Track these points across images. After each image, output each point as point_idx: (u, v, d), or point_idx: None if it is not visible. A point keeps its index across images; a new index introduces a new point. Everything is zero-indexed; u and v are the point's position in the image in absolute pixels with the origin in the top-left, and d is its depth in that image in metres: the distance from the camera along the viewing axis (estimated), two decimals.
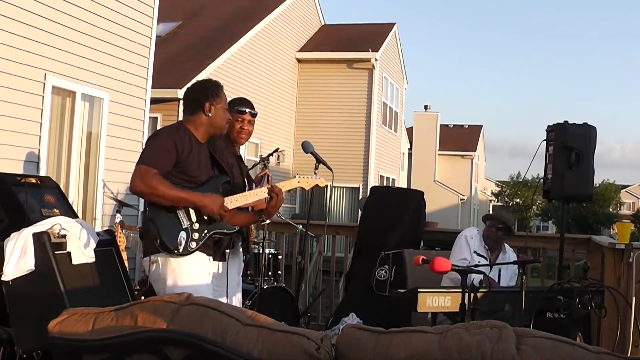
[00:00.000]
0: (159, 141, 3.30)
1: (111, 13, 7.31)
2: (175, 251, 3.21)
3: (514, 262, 4.53)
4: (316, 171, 4.96)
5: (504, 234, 4.79)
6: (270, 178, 3.76)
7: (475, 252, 4.74)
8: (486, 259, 4.71)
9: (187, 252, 3.24)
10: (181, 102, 11.88)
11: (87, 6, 6.93)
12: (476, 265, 4.25)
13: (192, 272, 3.27)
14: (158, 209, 3.21)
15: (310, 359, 1.78)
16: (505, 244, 4.92)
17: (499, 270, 4.61)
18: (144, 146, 3.39)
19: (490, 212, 5.01)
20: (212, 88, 3.41)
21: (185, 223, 3.25)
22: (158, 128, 3.88)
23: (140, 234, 3.57)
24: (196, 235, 3.26)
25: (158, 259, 3.27)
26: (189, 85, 3.53)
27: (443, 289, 3.99)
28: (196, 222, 3.27)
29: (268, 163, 4.66)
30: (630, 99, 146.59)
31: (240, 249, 3.72)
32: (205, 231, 3.29)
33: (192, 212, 3.26)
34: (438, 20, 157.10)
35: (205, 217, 3.28)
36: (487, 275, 3.82)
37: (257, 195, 3.48)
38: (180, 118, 3.60)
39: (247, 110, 3.71)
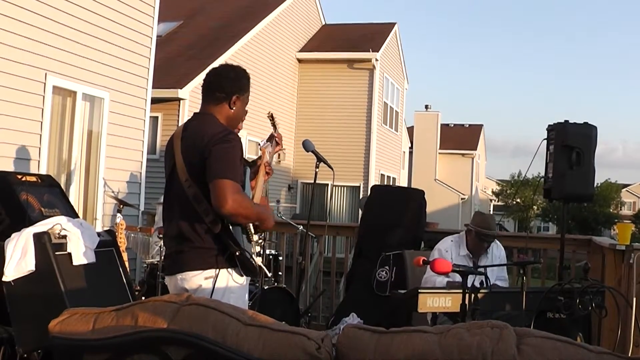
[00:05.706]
0: (235, 150, 2.83)
1: (112, 13, 7.31)
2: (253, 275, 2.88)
3: (513, 263, 4.51)
4: (317, 170, 4.97)
5: (491, 241, 4.72)
6: (279, 141, 3.37)
7: (454, 264, 4.62)
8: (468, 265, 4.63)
9: (253, 275, 2.91)
10: (184, 99, 12.04)
11: (88, 6, 6.93)
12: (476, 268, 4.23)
13: (238, 290, 2.93)
14: (234, 226, 2.84)
15: (311, 358, 1.77)
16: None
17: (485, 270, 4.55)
18: (215, 152, 2.78)
19: (471, 222, 4.79)
20: (245, 81, 3.05)
21: (250, 241, 2.92)
22: (181, 123, 3.08)
23: (196, 247, 2.86)
24: (254, 252, 2.91)
25: (216, 274, 2.82)
26: (218, 68, 3.08)
27: (443, 289, 3.98)
28: (253, 236, 2.94)
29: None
30: (631, 99, 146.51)
31: None
32: (255, 247, 2.93)
33: (251, 227, 2.91)
34: (438, 19, 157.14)
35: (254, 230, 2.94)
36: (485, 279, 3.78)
37: (257, 198, 3.20)
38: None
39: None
